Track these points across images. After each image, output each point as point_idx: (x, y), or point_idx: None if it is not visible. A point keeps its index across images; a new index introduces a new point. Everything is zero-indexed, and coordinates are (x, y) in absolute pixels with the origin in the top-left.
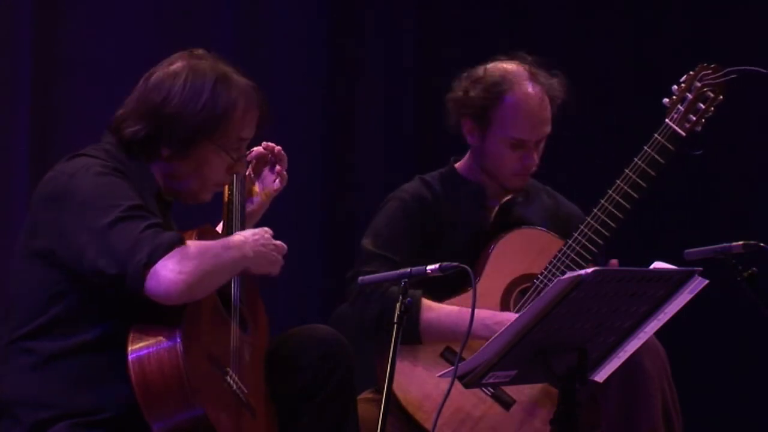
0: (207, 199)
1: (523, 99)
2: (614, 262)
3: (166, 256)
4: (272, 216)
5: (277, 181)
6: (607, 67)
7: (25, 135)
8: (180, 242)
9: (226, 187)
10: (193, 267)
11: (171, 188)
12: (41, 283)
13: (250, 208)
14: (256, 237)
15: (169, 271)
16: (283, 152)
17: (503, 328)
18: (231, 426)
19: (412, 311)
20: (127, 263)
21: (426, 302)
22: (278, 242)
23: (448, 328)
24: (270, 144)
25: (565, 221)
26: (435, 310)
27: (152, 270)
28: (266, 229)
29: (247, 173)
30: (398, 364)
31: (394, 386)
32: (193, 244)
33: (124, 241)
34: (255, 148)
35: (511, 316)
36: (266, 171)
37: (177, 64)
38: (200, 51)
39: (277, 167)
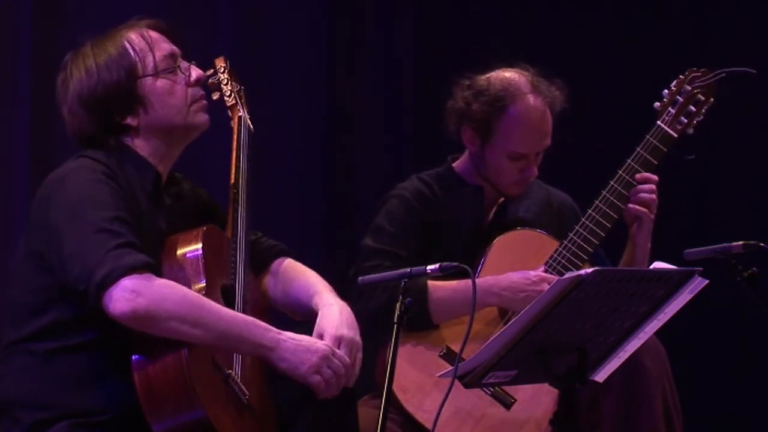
0: (200, 121)
1: (526, 113)
2: None
3: (126, 277)
4: (273, 215)
5: None
6: (607, 67)
7: (25, 135)
8: (143, 268)
9: (233, 172)
10: (153, 297)
11: (167, 144)
12: (38, 285)
13: None
14: (305, 341)
15: (123, 290)
16: None
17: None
18: (232, 428)
19: (420, 295)
20: (89, 281)
21: (432, 283)
22: (339, 355)
23: (459, 302)
24: None
25: (557, 209)
26: (442, 289)
27: (107, 291)
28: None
29: None
30: (398, 365)
31: (394, 386)
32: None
33: (89, 259)
34: None
35: (513, 276)
36: None
37: (68, 66)
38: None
39: None
